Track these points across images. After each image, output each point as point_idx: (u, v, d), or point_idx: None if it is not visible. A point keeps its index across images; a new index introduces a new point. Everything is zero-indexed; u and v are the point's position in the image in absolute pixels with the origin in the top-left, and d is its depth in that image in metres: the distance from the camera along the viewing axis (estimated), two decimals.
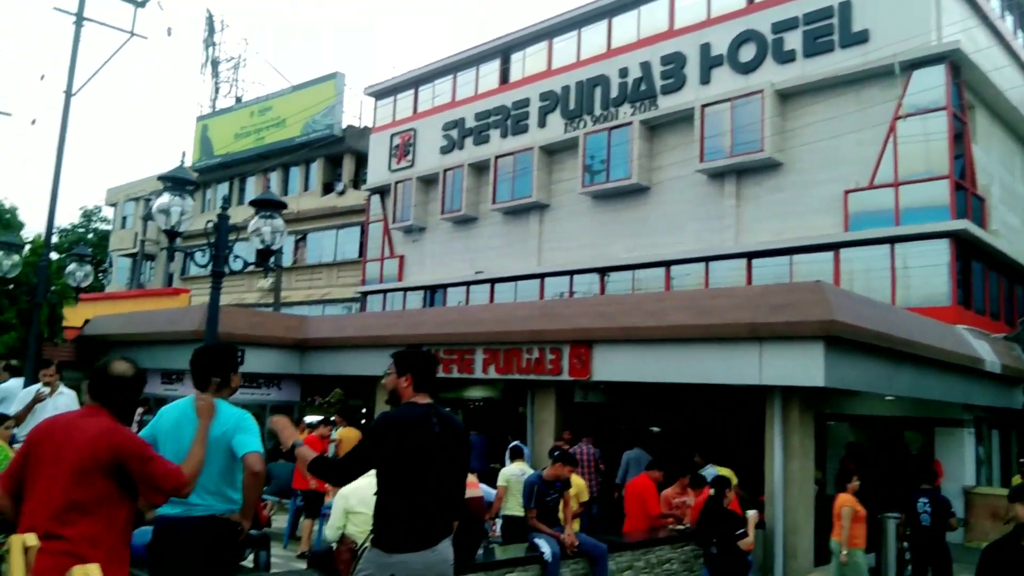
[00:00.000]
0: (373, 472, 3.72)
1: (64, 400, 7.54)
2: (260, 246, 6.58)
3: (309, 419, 14.91)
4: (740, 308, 10.87)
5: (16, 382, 10.11)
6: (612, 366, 12.42)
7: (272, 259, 6.84)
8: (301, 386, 18.13)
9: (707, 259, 17.97)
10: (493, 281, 21.82)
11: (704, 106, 18.07)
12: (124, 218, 37.89)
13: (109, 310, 22.18)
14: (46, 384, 7.44)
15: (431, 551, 3.59)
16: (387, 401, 3.83)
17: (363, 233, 27.01)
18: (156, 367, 18.47)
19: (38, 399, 7.25)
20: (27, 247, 16.23)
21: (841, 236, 16.06)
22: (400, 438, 3.62)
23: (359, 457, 3.72)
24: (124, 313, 20.70)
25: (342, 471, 3.78)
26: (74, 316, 19.63)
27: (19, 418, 7.15)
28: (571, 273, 20.17)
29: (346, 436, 12.68)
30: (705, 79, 18.56)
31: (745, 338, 10.57)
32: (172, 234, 6.38)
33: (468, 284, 22.48)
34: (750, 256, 17.29)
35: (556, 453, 7.53)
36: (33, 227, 60.16)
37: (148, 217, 35.06)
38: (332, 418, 13.88)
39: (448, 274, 23.02)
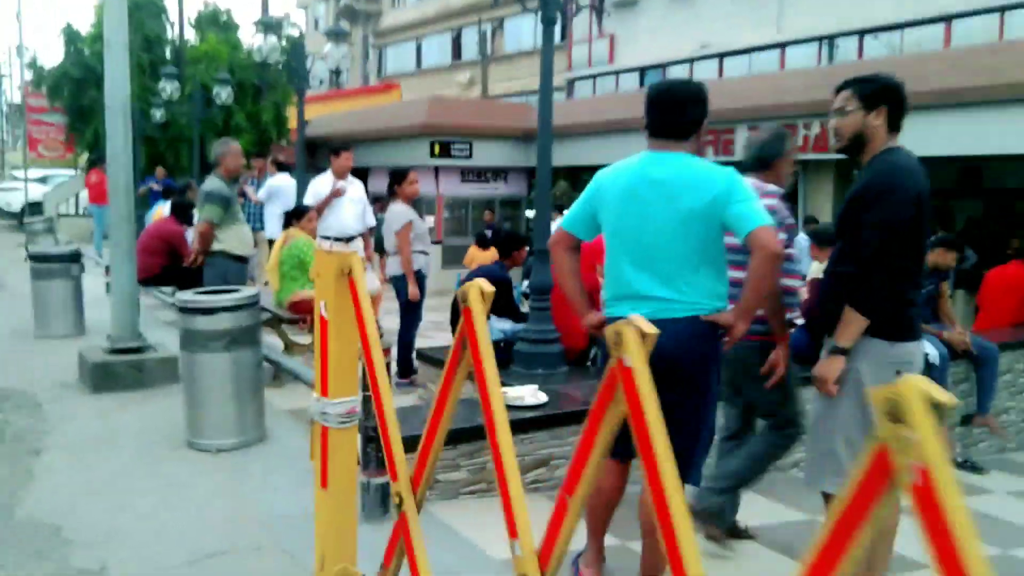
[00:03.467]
0: None
1: (357, 190, 6.91)
2: None
3: None
4: None
5: (284, 177, 9.81)
6: (919, 136, 10.48)
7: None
8: (527, 179, 17.36)
9: (1002, 8, 14.84)
10: (722, 55, 19.50)
11: None
12: (316, 20, 37.48)
13: (324, 111, 22.03)
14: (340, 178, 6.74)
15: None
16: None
17: (564, 15, 24.90)
18: (381, 165, 18.26)
19: (336, 194, 6.59)
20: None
21: None
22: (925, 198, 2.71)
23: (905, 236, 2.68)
24: (343, 112, 20.41)
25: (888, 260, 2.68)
26: (295, 118, 19.56)
27: (317, 211, 6.59)
28: (820, 39, 17.51)
29: None
30: None
31: None
32: None
33: (691, 61, 20.27)
34: None
35: (937, 237, 6.15)
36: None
37: (341, 15, 34.42)
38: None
39: (667, 52, 20.79)
